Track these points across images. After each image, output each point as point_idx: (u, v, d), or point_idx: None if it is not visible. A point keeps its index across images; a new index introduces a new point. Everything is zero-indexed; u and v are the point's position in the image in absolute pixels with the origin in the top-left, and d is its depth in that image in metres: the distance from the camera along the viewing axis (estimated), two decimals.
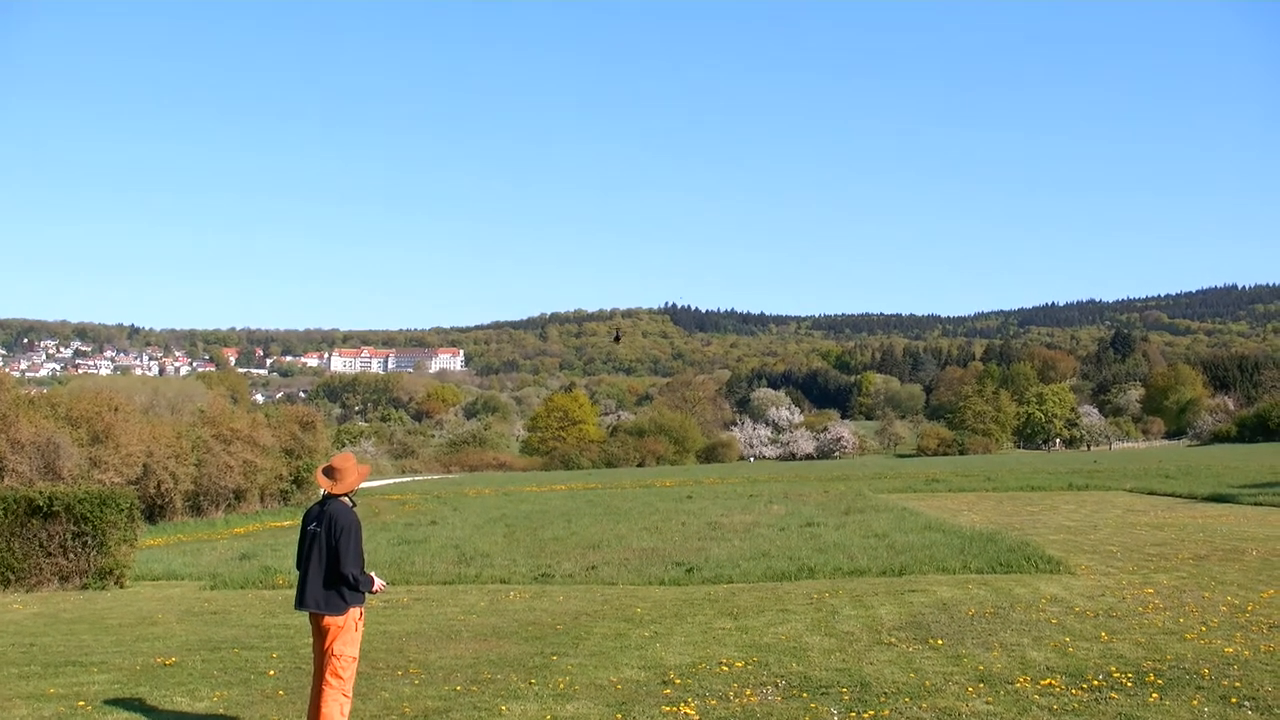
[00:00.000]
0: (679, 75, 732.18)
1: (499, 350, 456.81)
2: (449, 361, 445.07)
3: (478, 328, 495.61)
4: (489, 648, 16.45)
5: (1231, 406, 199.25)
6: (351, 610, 11.04)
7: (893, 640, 15.98)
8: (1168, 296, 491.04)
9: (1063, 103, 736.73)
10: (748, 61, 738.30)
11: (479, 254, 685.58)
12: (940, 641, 15.73)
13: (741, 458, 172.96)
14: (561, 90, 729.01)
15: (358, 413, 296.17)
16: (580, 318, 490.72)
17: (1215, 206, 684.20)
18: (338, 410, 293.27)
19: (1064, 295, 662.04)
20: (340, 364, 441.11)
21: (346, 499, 11.35)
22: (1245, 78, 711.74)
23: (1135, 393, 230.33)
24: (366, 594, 11.21)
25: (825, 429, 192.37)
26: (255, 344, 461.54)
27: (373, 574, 11.35)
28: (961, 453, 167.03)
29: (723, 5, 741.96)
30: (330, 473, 11.36)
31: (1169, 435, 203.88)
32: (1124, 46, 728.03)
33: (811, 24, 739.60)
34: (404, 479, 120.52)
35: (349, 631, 11.03)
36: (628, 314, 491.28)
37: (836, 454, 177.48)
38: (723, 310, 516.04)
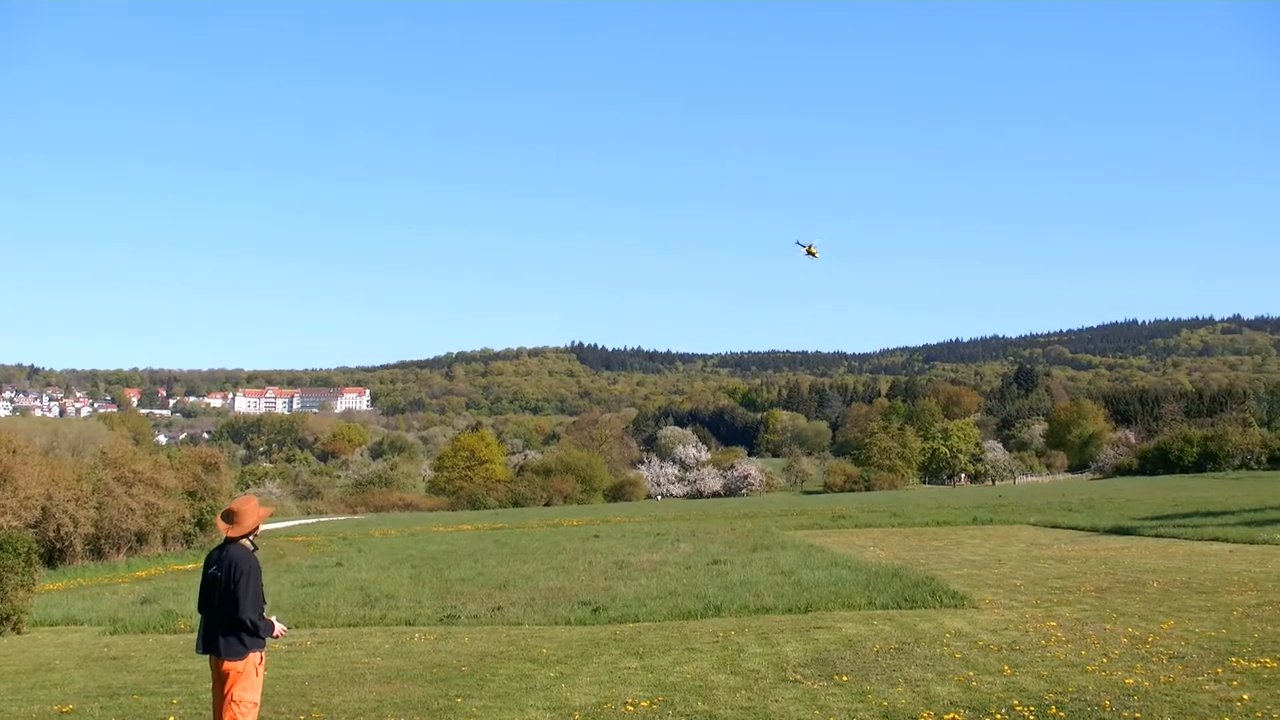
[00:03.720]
0: (580, 116, 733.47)
1: (405, 390, 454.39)
2: (355, 401, 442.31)
3: (384, 367, 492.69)
4: (393, 690, 16.32)
5: (1133, 440, 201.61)
6: (251, 655, 10.93)
7: (798, 678, 16.00)
8: (1070, 332, 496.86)
9: (963, 140, 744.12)
10: (648, 102, 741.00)
11: (385, 293, 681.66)
12: (845, 678, 15.77)
13: (649, 496, 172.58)
14: (465, 131, 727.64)
15: (262, 453, 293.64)
16: (487, 356, 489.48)
17: (1115, 242, 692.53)
18: (242, 451, 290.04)
19: (968, 331, 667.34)
20: (245, 404, 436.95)
21: (248, 542, 11.24)
22: (1141, 115, 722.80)
23: (1039, 427, 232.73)
24: (267, 638, 11.09)
25: (732, 466, 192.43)
26: (158, 384, 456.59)
27: (273, 618, 11.24)
28: (868, 489, 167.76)
29: (619, 47, 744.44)
30: (229, 516, 11.25)
31: (1072, 469, 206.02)
32: (1015, 85, 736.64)
33: (710, 67, 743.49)
34: (309, 520, 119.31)
35: (249, 676, 10.91)
36: (534, 353, 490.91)
37: (744, 491, 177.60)
38: (629, 348, 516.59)
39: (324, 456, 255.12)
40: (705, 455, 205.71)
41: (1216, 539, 42.51)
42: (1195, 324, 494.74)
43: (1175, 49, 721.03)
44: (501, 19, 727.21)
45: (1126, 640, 18.39)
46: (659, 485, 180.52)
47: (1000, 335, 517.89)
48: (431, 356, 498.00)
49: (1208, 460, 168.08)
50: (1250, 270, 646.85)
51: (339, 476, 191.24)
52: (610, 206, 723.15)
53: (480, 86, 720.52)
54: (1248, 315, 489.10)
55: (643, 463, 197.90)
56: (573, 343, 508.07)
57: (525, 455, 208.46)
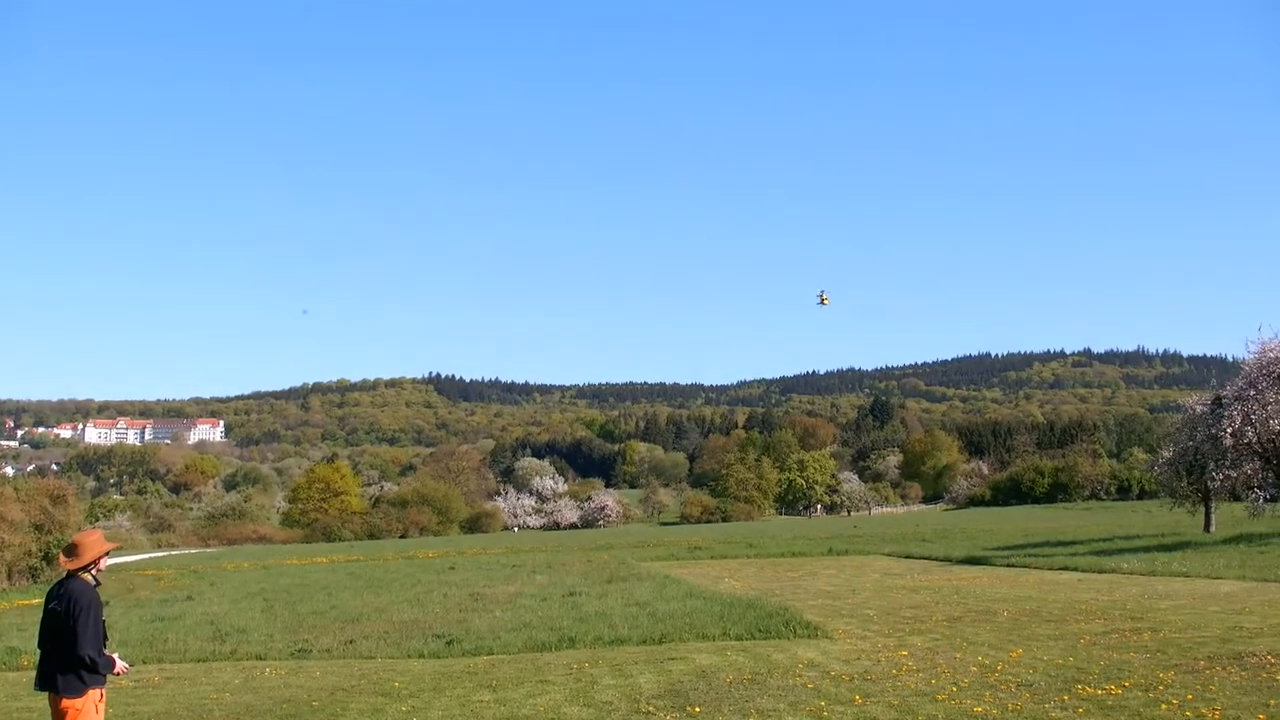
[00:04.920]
0: (426, 142, 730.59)
1: (260, 421, 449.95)
2: (208, 432, 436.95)
3: (238, 398, 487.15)
4: None
5: (986, 471, 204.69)
6: (91, 692, 10.70)
7: (651, 709, 15.96)
8: (925, 364, 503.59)
9: (810, 171, 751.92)
10: (501, 129, 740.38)
11: (238, 322, 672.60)
12: (698, 709, 15.76)
13: (506, 528, 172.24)
14: (318, 157, 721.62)
15: (113, 485, 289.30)
16: (343, 388, 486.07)
17: (969, 277, 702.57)
18: (92, 483, 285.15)
19: (824, 364, 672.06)
20: (95, 435, 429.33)
21: (89, 576, 11.01)
22: (994, 153, 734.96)
23: (894, 458, 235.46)
24: (108, 675, 10.86)
25: (589, 498, 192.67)
26: (4, 415, 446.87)
27: (115, 655, 11.01)
28: (724, 520, 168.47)
29: (449, 81, 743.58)
30: (70, 550, 11.03)
31: (926, 500, 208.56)
32: (872, 113, 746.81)
33: (544, 94, 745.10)
34: (160, 553, 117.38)
35: (88, 714, 10.68)
36: (391, 384, 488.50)
37: (600, 523, 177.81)
38: (487, 380, 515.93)
39: (176, 489, 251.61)
40: (562, 487, 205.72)
41: (1066, 568, 43.17)
42: (1047, 357, 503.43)
43: (1018, 80, 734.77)
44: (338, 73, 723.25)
45: (976, 669, 18.57)
46: (516, 517, 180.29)
47: (856, 367, 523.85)
48: (287, 387, 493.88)
49: (1059, 491, 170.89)
50: (1100, 305, 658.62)
51: (191, 509, 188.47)
52: (468, 237, 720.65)
53: (327, 111, 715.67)
54: (1098, 349, 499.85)
55: (500, 494, 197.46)
56: (430, 374, 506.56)
57: (381, 487, 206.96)
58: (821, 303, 78.04)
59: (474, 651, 23.46)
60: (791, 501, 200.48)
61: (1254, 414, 55.45)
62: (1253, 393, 55.94)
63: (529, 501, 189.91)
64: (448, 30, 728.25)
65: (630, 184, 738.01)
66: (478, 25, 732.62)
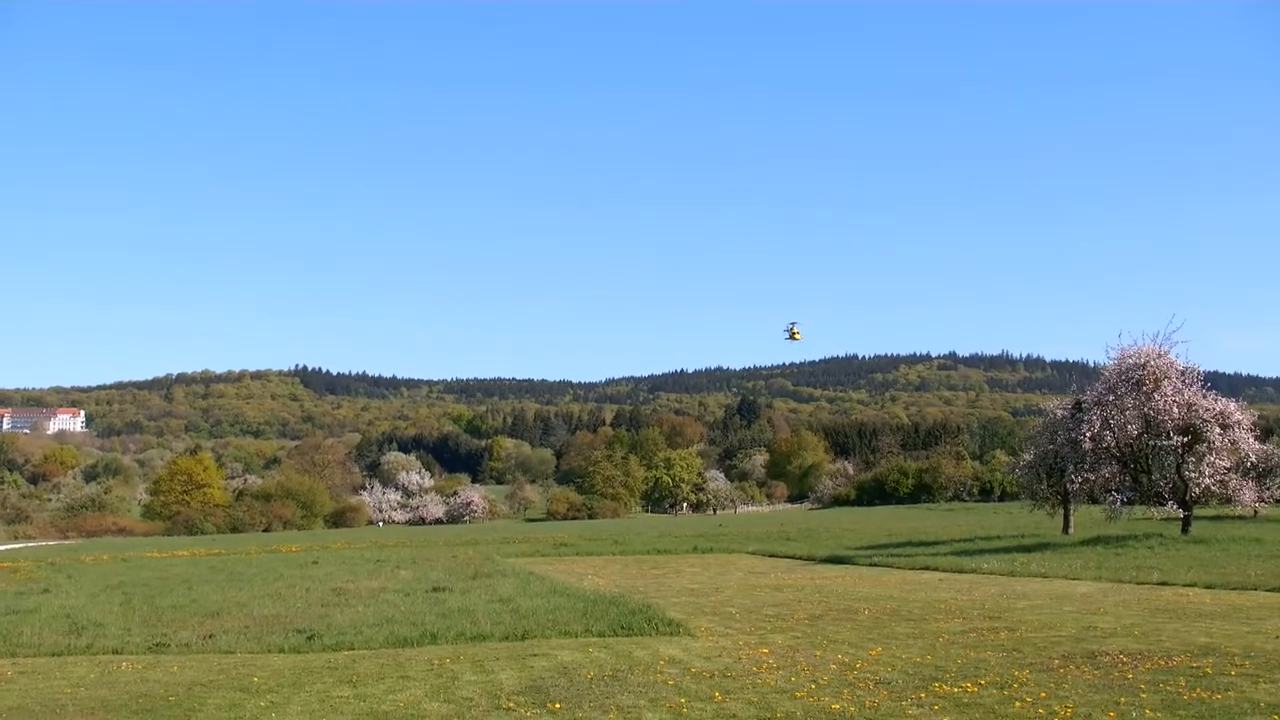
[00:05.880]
0: (292, 135, 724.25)
1: (122, 411, 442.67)
2: (69, 422, 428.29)
3: (100, 388, 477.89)
4: None
5: (851, 471, 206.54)
6: None
7: (511, 705, 15.92)
8: (792, 365, 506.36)
9: (680, 176, 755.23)
10: (352, 119, 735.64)
11: (101, 310, 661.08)
12: (558, 705, 15.75)
13: (371, 522, 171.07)
14: (182, 149, 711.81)
15: None
16: (208, 379, 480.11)
17: (838, 281, 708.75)
18: None
19: (693, 363, 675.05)
20: None
21: None
22: (865, 161, 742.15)
23: (760, 458, 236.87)
24: None
25: (455, 493, 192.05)
26: None
27: None
28: (591, 517, 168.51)
29: (308, 76, 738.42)
30: None
31: (792, 499, 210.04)
32: (721, 128, 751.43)
33: (405, 85, 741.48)
34: (17, 545, 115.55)
35: None
36: (257, 376, 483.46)
37: (466, 518, 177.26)
38: (354, 373, 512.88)
39: (34, 479, 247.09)
40: (429, 482, 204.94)
41: (928, 568, 43.68)
42: (913, 360, 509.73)
43: (883, 85, 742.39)
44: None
45: (836, 666, 18.74)
46: (381, 511, 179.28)
47: (724, 367, 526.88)
48: (150, 377, 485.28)
49: (922, 491, 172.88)
50: (965, 310, 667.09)
51: (50, 500, 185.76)
52: (334, 230, 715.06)
53: (192, 105, 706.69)
54: (963, 353, 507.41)
55: (365, 489, 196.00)
56: (296, 366, 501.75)
57: (245, 480, 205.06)
58: (792, 337, 77.69)
59: (335, 647, 23.25)
60: (658, 499, 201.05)
61: (1113, 419, 56.43)
62: (1112, 398, 56.94)
63: (394, 496, 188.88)
64: (288, 31, 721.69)
65: (498, 180, 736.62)
66: (329, 28, 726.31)
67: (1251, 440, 57.21)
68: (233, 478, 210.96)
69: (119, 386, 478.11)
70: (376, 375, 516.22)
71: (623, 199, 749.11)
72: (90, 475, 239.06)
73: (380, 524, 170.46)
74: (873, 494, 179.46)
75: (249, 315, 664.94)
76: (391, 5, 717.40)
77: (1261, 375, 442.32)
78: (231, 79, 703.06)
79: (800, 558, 53.64)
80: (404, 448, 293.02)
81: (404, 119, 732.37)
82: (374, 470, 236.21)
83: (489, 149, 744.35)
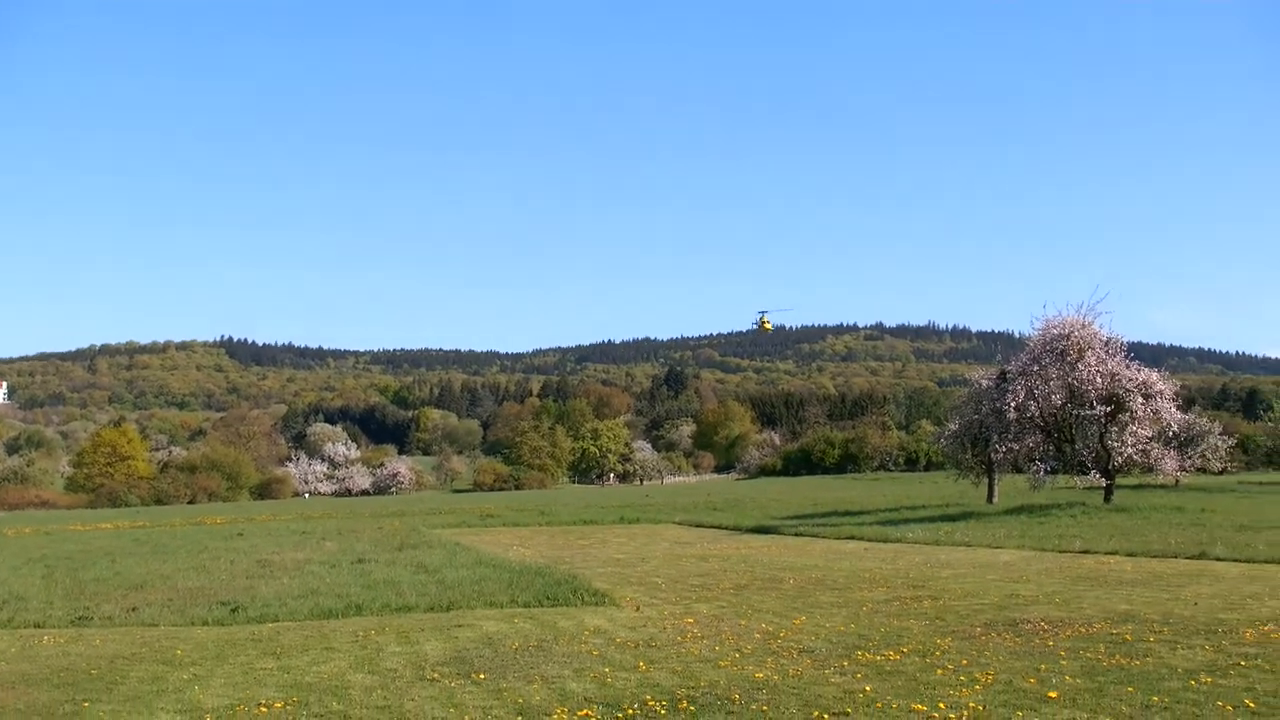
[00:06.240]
0: (218, 103, 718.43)
1: (45, 383, 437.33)
2: None
3: (22, 358, 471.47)
4: (16, 696, 15.63)
5: (778, 441, 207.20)
6: None
7: (436, 676, 15.89)
8: (719, 335, 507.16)
9: (603, 144, 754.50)
10: (277, 87, 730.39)
11: (22, 281, 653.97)
12: (483, 676, 15.74)
13: (297, 494, 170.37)
14: (112, 119, 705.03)
15: None
16: (132, 350, 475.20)
17: (753, 250, 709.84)
18: None
19: (620, 333, 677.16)
20: None
21: None
22: (768, 125, 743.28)
23: (687, 428, 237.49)
24: None
25: (382, 465, 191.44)
26: None
27: None
28: (517, 488, 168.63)
29: (231, 53, 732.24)
30: None
31: (719, 469, 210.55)
32: (642, 96, 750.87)
33: (329, 50, 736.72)
34: None
35: None
36: (182, 346, 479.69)
37: (393, 490, 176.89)
38: (280, 344, 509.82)
39: None
40: (355, 453, 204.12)
41: (853, 537, 44.05)
42: (840, 330, 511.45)
43: (820, 52, 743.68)
44: None
45: (760, 636, 18.84)
46: (307, 483, 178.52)
47: (651, 338, 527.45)
48: (74, 349, 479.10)
49: (848, 461, 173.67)
50: (892, 280, 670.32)
51: None
52: (259, 198, 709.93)
53: (116, 72, 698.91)
54: (889, 323, 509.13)
55: (291, 460, 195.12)
56: (222, 337, 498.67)
57: (170, 452, 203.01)
58: (762, 326, 77.26)
59: (259, 619, 23.14)
60: (585, 470, 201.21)
61: (1037, 389, 56.91)
62: (1036, 368, 57.40)
63: (321, 468, 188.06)
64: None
65: (424, 147, 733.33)
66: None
67: (1173, 410, 57.82)
68: (157, 450, 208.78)
69: (41, 358, 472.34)
70: (303, 346, 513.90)
71: (547, 167, 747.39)
72: (12, 448, 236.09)
73: (306, 495, 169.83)
74: (799, 464, 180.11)
75: (174, 286, 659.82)
76: None
77: (1184, 346, 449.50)
78: (154, 38, 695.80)
79: (726, 528, 53.92)
80: (330, 419, 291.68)
81: (323, 81, 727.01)
82: (300, 442, 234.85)
83: (421, 114, 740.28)
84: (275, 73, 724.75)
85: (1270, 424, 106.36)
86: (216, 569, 35.39)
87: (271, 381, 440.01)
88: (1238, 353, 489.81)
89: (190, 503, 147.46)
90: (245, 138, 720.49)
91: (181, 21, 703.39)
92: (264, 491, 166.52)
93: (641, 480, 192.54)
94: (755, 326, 75.55)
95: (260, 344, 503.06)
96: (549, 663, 16.75)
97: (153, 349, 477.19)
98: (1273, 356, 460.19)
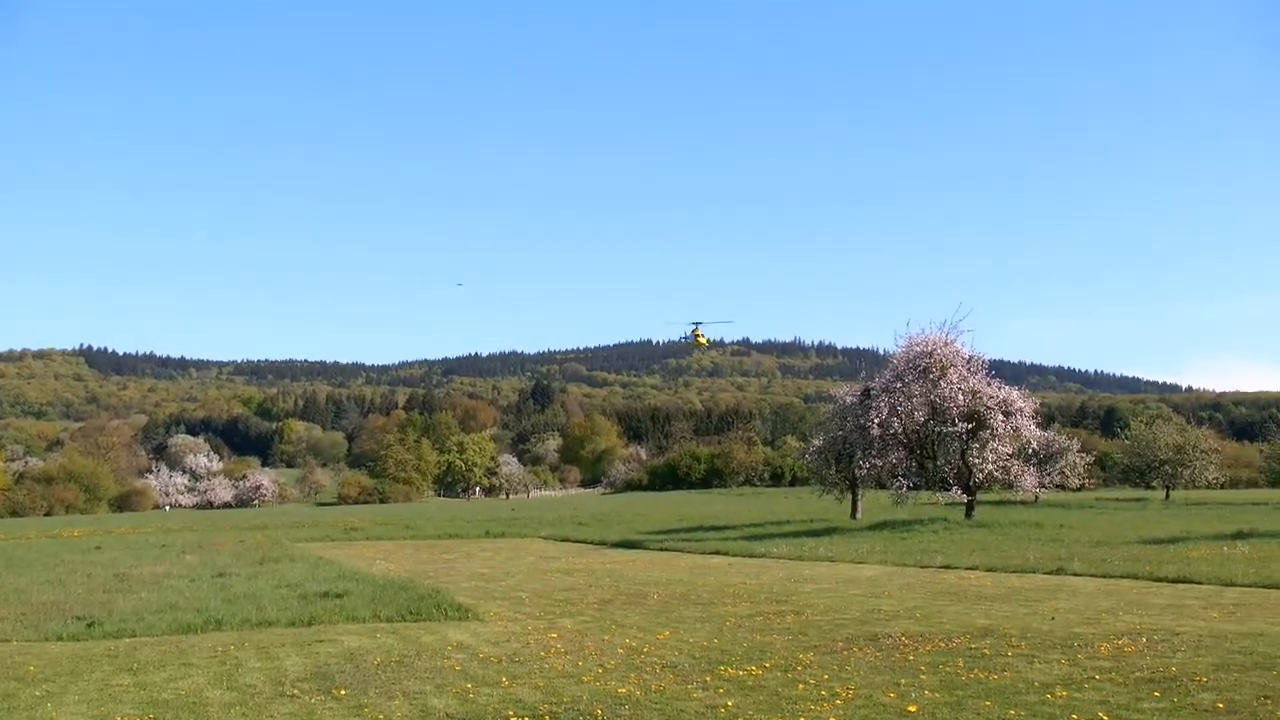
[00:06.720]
0: (82, 112, 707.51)
1: None
2: None
3: None
4: None
5: (644, 456, 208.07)
6: None
7: (296, 692, 15.72)
8: (587, 350, 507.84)
9: (480, 157, 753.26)
10: (139, 101, 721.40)
11: None
12: (344, 692, 15.60)
13: (157, 506, 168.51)
14: None
15: None
16: None
17: (632, 263, 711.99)
18: None
19: (487, 346, 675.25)
20: None
21: None
22: (646, 146, 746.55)
23: (554, 442, 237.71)
24: None
25: (245, 477, 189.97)
26: None
27: None
28: (382, 501, 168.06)
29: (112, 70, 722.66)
30: None
31: (585, 484, 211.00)
32: (521, 111, 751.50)
33: (219, 70, 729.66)
34: None
35: None
36: (39, 355, 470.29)
37: (256, 502, 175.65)
38: (142, 353, 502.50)
39: None
40: (217, 465, 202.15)
41: (718, 552, 44.27)
42: (707, 345, 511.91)
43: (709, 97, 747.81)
44: None
45: (623, 651, 18.84)
46: (168, 495, 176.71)
47: (519, 351, 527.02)
48: None
49: (714, 477, 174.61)
50: (759, 295, 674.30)
51: None
52: (120, 204, 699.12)
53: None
54: (756, 339, 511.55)
55: (151, 472, 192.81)
56: (81, 345, 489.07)
57: (26, 462, 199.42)
58: (695, 340, 75.97)
59: (116, 634, 22.77)
60: (450, 483, 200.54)
61: (900, 405, 57.62)
62: (899, 385, 58.14)
63: (182, 480, 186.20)
64: None
65: (285, 154, 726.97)
66: None
67: (1033, 427, 58.82)
68: (12, 460, 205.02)
69: None
70: (165, 356, 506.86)
71: (408, 175, 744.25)
72: None
73: (167, 508, 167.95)
74: (665, 479, 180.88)
75: (32, 292, 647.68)
76: None
77: (1045, 364, 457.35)
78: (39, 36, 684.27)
79: (592, 542, 54.06)
80: (192, 430, 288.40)
81: (180, 86, 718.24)
82: (161, 453, 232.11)
83: (283, 120, 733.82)
84: (127, 75, 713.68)
85: (1127, 441, 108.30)
86: (73, 583, 34.85)
87: (132, 391, 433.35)
88: (1096, 371, 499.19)
89: (47, 515, 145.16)
90: (102, 140, 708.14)
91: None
92: (123, 504, 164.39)
93: (507, 494, 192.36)
94: (687, 338, 74.12)
95: (121, 353, 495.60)
96: (411, 678, 16.64)
97: (9, 357, 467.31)
98: (1130, 375, 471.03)
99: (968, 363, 58.13)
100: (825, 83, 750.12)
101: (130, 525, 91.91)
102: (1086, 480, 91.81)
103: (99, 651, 20.49)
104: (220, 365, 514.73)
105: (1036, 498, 77.73)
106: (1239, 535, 43.34)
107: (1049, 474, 73.90)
